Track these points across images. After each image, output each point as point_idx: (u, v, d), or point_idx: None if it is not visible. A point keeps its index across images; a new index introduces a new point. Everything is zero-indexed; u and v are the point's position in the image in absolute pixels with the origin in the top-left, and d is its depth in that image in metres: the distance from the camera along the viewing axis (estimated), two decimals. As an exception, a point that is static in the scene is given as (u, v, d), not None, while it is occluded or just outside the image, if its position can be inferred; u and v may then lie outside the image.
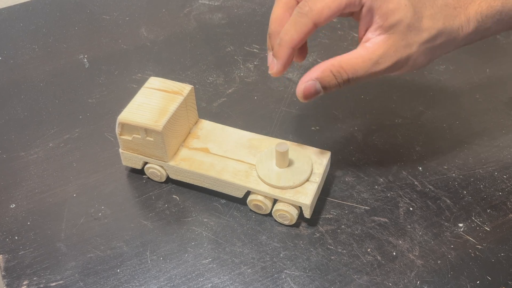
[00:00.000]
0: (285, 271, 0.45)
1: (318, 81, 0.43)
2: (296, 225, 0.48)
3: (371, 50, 0.43)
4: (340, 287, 0.44)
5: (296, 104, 0.60)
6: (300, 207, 0.47)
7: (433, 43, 0.43)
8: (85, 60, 0.67)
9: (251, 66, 0.65)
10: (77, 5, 0.76)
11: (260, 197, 0.48)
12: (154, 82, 0.52)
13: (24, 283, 0.45)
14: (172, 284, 0.45)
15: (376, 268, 0.45)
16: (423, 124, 0.57)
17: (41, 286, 0.45)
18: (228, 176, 0.49)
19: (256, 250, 0.47)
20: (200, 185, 0.50)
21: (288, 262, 0.46)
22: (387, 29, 0.42)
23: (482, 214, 0.49)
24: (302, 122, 0.58)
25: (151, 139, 0.48)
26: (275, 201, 0.48)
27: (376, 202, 0.50)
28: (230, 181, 0.48)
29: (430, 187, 0.51)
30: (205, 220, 0.49)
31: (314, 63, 0.65)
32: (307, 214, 0.47)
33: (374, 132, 0.56)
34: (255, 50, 0.67)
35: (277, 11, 0.47)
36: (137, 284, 0.45)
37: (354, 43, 0.67)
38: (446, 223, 0.48)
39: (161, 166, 0.51)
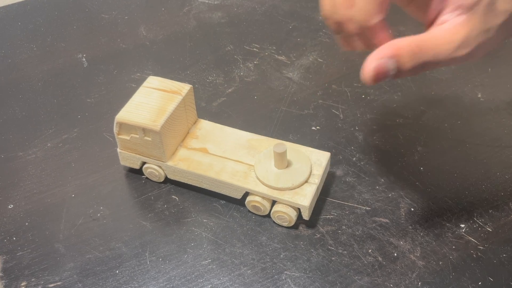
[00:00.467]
0: (285, 272, 0.45)
1: (394, 59, 0.37)
2: (296, 226, 0.48)
3: (452, 32, 0.37)
4: (341, 289, 0.44)
5: (296, 103, 0.60)
6: (299, 209, 0.47)
7: (507, 26, 0.39)
8: (84, 60, 0.67)
9: (251, 65, 0.65)
10: (76, 4, 0.76)
11: (258, 198, 0.47)
12: (152, 81, 0.51)
13: (22, 284, 0.45)
14: (171, 285, 0.44)
15: (377, 269, 0.45)
16: (425, 124, 0.57)
17: (39, 287, 0.45)
18: (227, 177, 0.48)
19: (256, 251, 0.47)
20: (199, 186, 0.50)
21: (289, 263, 0.46)
22: (469, 8, 0.38)
23: (484, 214, 0.48)
24: (303, 121, 0.58)
25: (149, 139, 0.48)
26: (273, 202, 0.48)
27: (377, 202, 0.50)
28: (229, 182, 0.48)
29: (432, 187, 0.51)
30: (204, 220, 0.49)
31: (315, 62, 0.65)
32: (305, 216, 0.47)
33: (375, 132, 0.56)
34: (255, 49, 0.67)
35: None
36: (136, 285, 0.45)
37: (354, 42, 0.67)
38: (447, 224, 0.48)
39: (159, 166, 0.50)
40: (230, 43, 0.68)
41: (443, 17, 0.39)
